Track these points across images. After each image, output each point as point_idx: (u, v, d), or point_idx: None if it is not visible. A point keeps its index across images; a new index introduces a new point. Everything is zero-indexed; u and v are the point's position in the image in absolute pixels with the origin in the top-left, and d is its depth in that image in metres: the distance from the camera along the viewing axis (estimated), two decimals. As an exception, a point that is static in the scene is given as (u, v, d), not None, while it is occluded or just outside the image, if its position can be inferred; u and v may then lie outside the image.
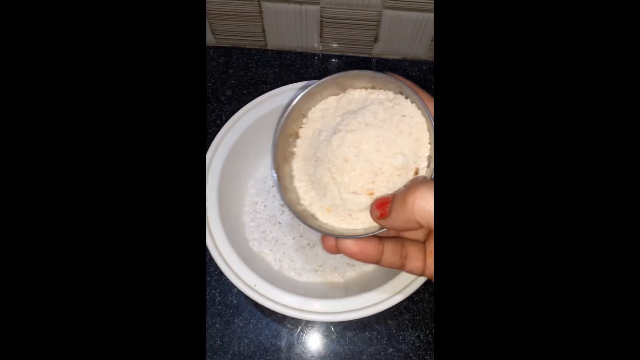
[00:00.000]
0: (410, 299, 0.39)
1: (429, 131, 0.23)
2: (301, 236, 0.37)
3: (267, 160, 0.42)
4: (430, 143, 0.23)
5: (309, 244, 0.37)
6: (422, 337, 0.37)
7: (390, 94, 0.24)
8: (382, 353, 0.36)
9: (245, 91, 0.49)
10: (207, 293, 0.38)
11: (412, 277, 0.33)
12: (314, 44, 0.52)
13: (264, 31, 0.50)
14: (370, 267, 0.37)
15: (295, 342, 0.37)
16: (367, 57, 0.53)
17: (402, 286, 0.33)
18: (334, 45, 0.52)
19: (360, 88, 0.25)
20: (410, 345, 0.37)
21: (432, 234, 0.23)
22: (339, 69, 0.52)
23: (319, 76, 0.51)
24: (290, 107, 0.24)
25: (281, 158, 0.25)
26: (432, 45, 0.51)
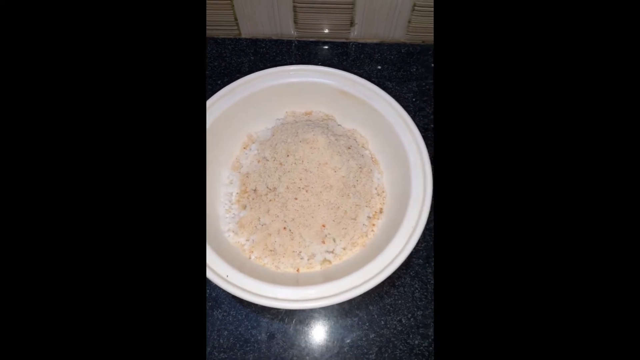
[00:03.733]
0: (391, 283, 0.38)
1: None
2: (278, 225, 0.36)
3: (240, 150, 0.41)
4: None
5: (285, 229, 0.36)
6: (403, 321, 0.37)
7: None
8: (363, 339, 0.36)
9: (219, 82, 0.48)
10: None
11: (390, 259, 0.32)
12: (289, 31, 0.51)
13: (236, 19, 0.49)
14: (347, 254, 0.36)
15: (276, 332, 0.36)
16: (344, 42, 0.52)
17: (382, 267, 0.32)
18: (310, 31, 0.51)
19: None
20: (392, 330, 0.36)
21: None
22: (317, 56, 0.51)
23: (296, 63, 0.50)
24: None
25: None
26: (409, 28, 0.50)
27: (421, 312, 0.37)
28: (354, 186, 0.37)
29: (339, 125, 0.42)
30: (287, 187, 0.36)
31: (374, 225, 0.38)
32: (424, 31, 0.50)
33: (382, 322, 0.37)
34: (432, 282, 0.38)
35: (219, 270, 0.32)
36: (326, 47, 0.52)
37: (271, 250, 0.36)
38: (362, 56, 0.51)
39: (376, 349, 0.36)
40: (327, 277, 0.34)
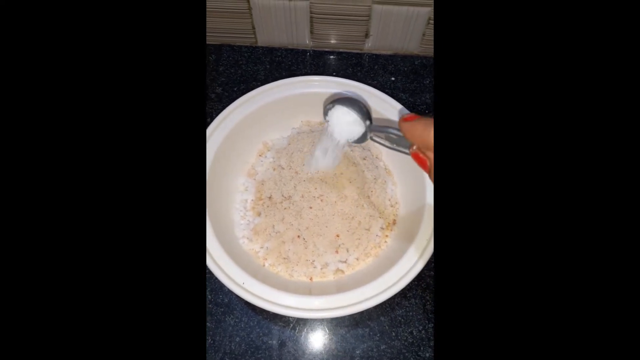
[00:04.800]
0: (403, 294, 0.38)
1: None
2: (292, 233, 0.37)
3: (255, 157, 0.42)
4: None
5: (299, 238, 0.36)
6: (414, 333, 0.37)
7: None
8: (374, 350, 0.36)
9: (235, 88, 0.49)
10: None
11: (403, 271, 0.32)
12: (305, 40, 0.52)
13: (254, 28, 0.50)
14: (360, 264, 0.37)
15: (287, 340, 0.36)
16: (359, 53, 0.52)
17: (395, 280, 0.32)
18: (325, 41, 0.52)
19: None
20: (403, 342, 0.36)
21: None
22: (331, 66, 0.52)
23: (310, 73, 0.51)
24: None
25: None
26: (423, 40, 0.50)
27: (432, 324, 0.37)
28: (369, 197, 0.38)
29: (353, 135, 0.42)
30: (302, 196, 0.37)
31: (387, 236, 0.38)
32: (438, 44, 0.51)
33: (393, 334, 0.37)
34: (434, 297, 0.38)
35: (235, 277, 0.32)
36: (340, 57, 0.52)
37: (285, 258, 0.36)
38: (376, 67, 0.52)
39: (387, 360, 0.36)
40: (340, 287, 0.34)
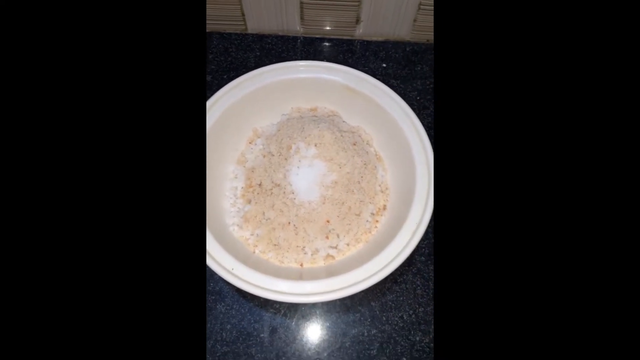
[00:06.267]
0: (393, 279, 0.38)
1: None
2: (282, 219, 0.37)
3: (245, 144, 0.41)
4: None
5: (289, 224, 0.36)
6: (405, 318, 0.37)
7: None
8: (365, 334, 0.36)
9: (225, 76, 0.48)
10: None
11: (393, 255, 0.32)
12: (295, 27, 0.51)
13: (243, 15, 0.49)
14: (351, 250, 0.37)
15: (278, 327, 0.37)
16: (350, 40, 0.52)
17: (385, 263, 0.32)
18: (316, 27, 0.51)
19: None
20: (393, 326, 0.36)
21: None
22: (322, 52, 0.51)
23: (302, 59, 0.50)
24: None
25: None
26: (414, 27, 0.50)
27: (422, 308, 0.37)
28: (359, 182, 0.37)
29: (344, 121, 0.42)
30: (292, 182, 0.37)
31: (377, 221, 0.38)
32: (429, 30, 0.50)
33: (384, 318, 0.37)
34: (434, 279, 0.38)
35: (224, 263, 0.32)
36: (331, 44, 0.52)
37: (275, 245, 0.36)
38: (367, 54, 0.51)
39: (377, 344, 0.36)
40: (331, 272, 0.34)
